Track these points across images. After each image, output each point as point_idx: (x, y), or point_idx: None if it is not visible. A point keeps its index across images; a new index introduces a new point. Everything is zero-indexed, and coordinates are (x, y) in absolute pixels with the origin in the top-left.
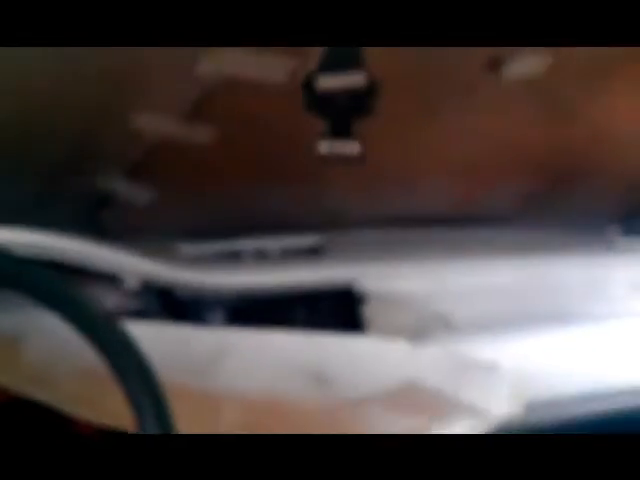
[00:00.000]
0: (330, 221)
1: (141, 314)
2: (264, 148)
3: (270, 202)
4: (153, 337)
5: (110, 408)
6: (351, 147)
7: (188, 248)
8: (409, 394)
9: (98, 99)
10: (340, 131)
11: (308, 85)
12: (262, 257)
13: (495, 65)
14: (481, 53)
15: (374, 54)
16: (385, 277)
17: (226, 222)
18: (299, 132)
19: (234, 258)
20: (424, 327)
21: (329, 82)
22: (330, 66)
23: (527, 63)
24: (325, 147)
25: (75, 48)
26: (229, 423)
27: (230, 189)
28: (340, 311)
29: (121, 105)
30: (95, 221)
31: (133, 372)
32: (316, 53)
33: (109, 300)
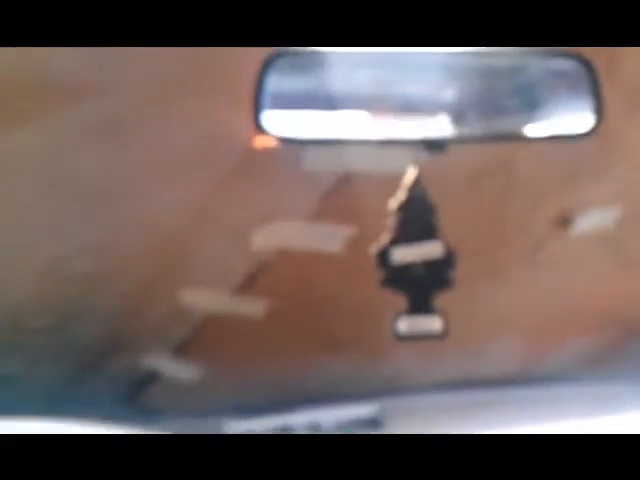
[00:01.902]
0: (387, 388)
1: None
2: (318, 319)
3: (322, 372)
4: None
5: None
6: (433, 323)
7: (235, 425)
8: None
9: (144, 277)
10: (420, 306)
11: (382, 259)
12: (316, 430)
13: (564, 221)
14: (550, 210)
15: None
16: None
17: (276, 395)
18: (353, 301)
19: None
20: None
21: (405, 254)
22: (403, 238)
23: (596, 218)
24: (405, 325)
25: (120, 223)
26: None
27: (281, 361)
28: None
29: (168, 282)
30: (139, 399)
31: None
32: (372, 222)
33: None
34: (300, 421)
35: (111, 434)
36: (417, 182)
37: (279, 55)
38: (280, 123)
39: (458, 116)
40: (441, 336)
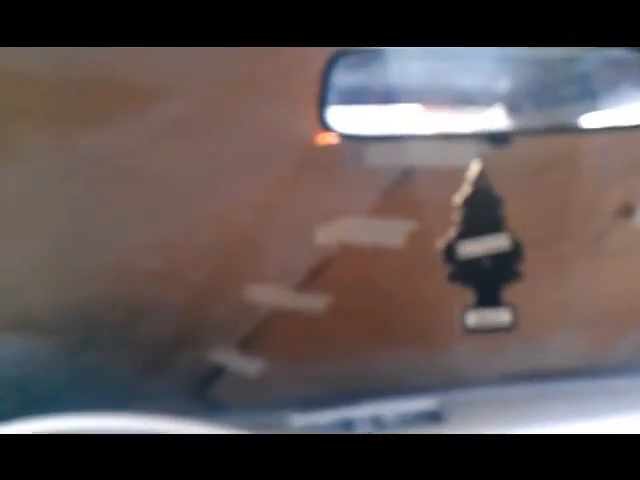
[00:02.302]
0: (450, 381)
1: None
2: (380, 313)
3: (385, 366)
4: None
5: None
6: (502, 316)
7: (299, 419)
8: None
9: (211, 273)
10: (489, 299)
11: (449, 254)
12: (378, 424)
13: (627, 212)
14: (612, 200)
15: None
16: None
17: (339, 389)
18: (416, 295)
19: (349, 427)
20: None
21: (472, 248)
22: (469, 232)
23: None
24: (473, 319)
25: (187, 221)
26: None
27: (344, 355)
28: None
29: (234, 277)
30: (206, 394)
31: None
32: (433, 216)
33: None
34: (362, 414)
35: (179, 434)
36: (482, 175)
37: (342, 53)
38: (342, 119)
39: (513, 107)
40: (511, 328)
